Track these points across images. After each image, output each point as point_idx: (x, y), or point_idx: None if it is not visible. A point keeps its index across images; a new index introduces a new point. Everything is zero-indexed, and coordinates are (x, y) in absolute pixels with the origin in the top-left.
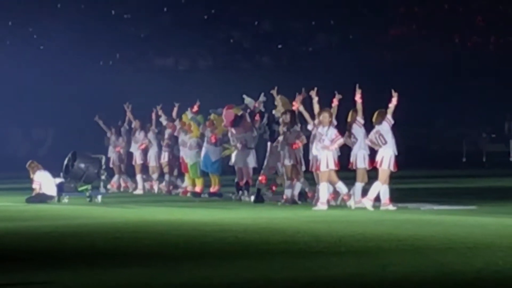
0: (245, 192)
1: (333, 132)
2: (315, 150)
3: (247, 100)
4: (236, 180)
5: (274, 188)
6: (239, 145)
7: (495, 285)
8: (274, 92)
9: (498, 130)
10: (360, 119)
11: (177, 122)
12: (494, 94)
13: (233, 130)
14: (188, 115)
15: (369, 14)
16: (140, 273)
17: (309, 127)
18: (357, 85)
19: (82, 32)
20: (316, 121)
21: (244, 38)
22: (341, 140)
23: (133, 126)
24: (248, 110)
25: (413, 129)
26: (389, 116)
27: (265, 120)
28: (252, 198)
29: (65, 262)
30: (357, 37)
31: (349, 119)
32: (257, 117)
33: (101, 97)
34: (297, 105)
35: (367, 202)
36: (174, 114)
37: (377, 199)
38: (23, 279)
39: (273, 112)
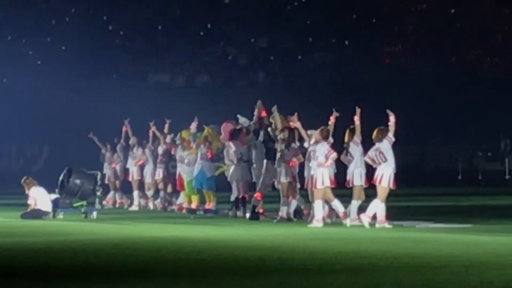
0: (241, 208)
1: (325, 147)
2: (312, 168)
3: (242, 119)
4: (236, 195)
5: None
6: (235, 160)
7: None
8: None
9: (493, 148)
10: (357, 138)
11: (177, 138)
12: (490, 113)
13: (231, 144)
14: (190, 132)
15: (364, 33)
16: None
17: (305, 144)
18: (357, 107)
19: (78, 48)
20: (312, 141)
21: (240, 55)
22: (334, 154)
23: (130, 142)
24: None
25: (408, 147)
26: (390, 134)
27: (260, 137)
28: (247, 215)
29: (60, 278)
30: (352, 55)
31: (346, 139)
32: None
33: (96, 113)
34: (294, 124)
35: (365, 218)
36: (165, 130)
37: (374, 217)
38: None
39: (269, 129)
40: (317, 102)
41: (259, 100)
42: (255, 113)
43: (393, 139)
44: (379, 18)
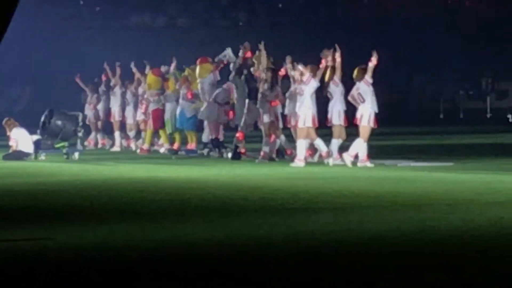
0: (216, 149)
1: (312, 87)
2: (297, 106)
3: (228, 52)
4: (212, 136)
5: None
6: (211, 100)
7: (472, 242)
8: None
9: (475, 87)
10: (336, 78)
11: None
12: (472, 51)
13: (224, 85)
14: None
15: None
16: (118, 230)
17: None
18: (336, 45)
19: None
20: (297, 78)
21: None
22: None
23: (111, 84)
24: (221, 65)
25: (390, 86)
26: (367, 76)
27: (243, 77)
28: (229, 154)
29: (43, 219)
30: None
31: (326, 78)
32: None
33: (77, 54)
34: (284, 71)
35: (347, 157)
36: (146, 72)
37: (356, 156)
38: (0, 236)
39: (251, 69)
40: (299, 41)
41: (246, 42)
42: (240, 54)
43: (370, 81)
44: None
